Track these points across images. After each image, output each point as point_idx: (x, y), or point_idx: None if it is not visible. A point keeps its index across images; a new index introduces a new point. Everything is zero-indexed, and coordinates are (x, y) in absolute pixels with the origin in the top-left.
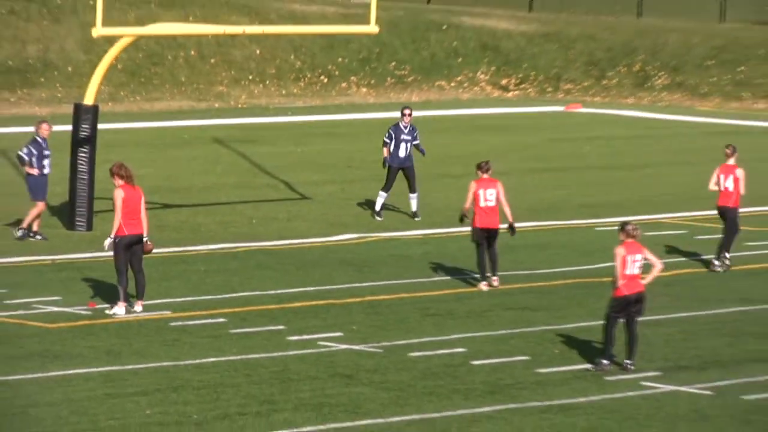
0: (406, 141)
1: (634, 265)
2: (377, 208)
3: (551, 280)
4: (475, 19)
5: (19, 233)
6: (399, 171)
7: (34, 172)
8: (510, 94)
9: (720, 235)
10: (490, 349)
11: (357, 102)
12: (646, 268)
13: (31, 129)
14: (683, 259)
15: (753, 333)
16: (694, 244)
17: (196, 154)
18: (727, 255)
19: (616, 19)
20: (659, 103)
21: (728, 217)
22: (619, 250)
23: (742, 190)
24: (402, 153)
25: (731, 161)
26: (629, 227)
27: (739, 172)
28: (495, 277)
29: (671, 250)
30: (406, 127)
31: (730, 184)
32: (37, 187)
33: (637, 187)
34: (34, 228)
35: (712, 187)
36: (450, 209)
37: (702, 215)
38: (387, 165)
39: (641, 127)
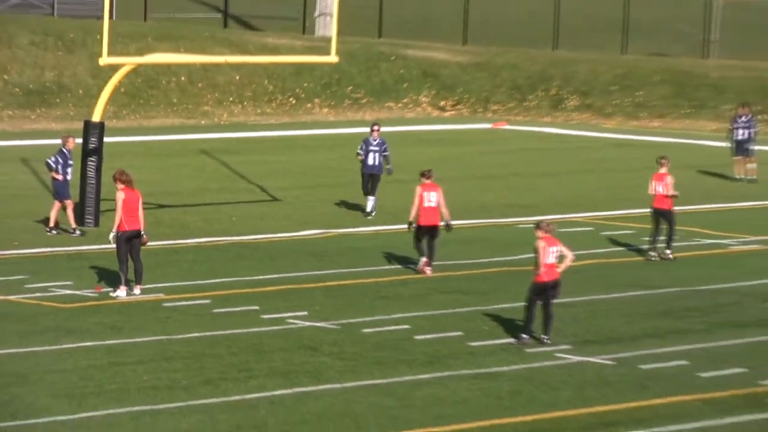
0: (374, 151)
1: (551, 256)
2: (368, 209)
3: (480, 269)
4: (418, 51)
5: (54, 232)
6: (369, 177)
7: (59, 177)
8: (447, 114)
9: (651, 231)
10: (429, 326)
11: (320, 120)
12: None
13: (47, 142)
14: (590, 251)
15: (647, 313)
16: (599, 239)
17: (186, 162)
18: (669, 251)
19: (536, 52)
20: (571, 121)
21: (667, 217)
22: (540, 243)
23: (671, 192)
24: (371, 161)
25: (663, 170)
26: (543, 224)
27: (669, 179)
28: (429, 267)
29: (580, 244)
30: (375, 140)
31: (662, 189)
32: (61, 190)
33: (551, 191)
34: (72, 224)
35: (651, 192)
36: (398, 210)
37: (605, 215)
38: (363, 173)
39: (556, 141)
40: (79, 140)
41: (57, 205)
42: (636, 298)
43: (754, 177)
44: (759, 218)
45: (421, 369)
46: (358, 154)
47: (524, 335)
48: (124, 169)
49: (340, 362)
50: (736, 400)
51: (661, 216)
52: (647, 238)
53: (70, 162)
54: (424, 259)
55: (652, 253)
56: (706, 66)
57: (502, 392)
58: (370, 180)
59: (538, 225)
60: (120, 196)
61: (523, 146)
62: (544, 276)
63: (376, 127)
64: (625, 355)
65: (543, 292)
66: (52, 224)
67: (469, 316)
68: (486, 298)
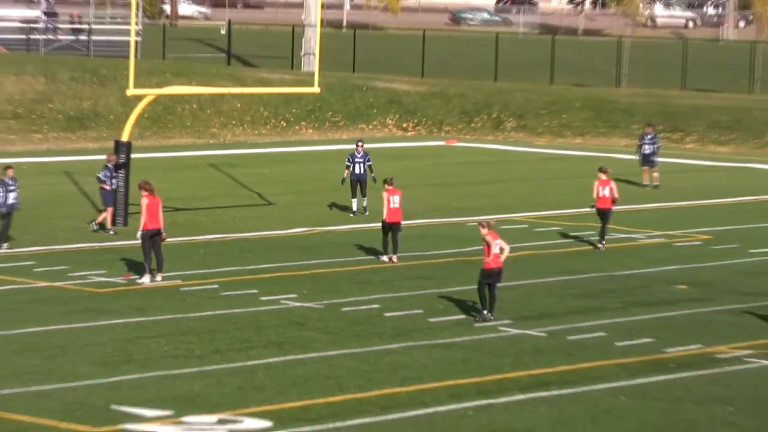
0: (359, 162)
1: (496, 248)
2: (354, 208)
3: (436, 259)
4: (384, 83)
5: (95, 227)
6: (357, 182)
7: (107, 187)
8: (408, 134)
9: (599, 226)
10: (395, 305)
11: (305, 139)
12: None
13: (85, 158)
14: (526, 244)
15: (573, 294)
16: (533, 234)
17: (197, 174)
18: (603, 241)
19: (480, 83)
20: (509, 139)
21: (607, 215)
22: (488, 238)
23: (617, 195)
24: (358, 170)
25: (604, 177)
26: (485, 222)
27: (613, 184)
28: (395, 256)
29: (518, 238)
30: (359, 153)
31: (606, 192)
32: (108, 198)
33: (493, 196)
34: (108, 225)
35: (595, 195)
36: (370, 211)
37: (536, 215)
38: (346, 180)
39: (497, 155)
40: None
41: (110, 210)
42: (563, 282)
43: (657, 184)
44: (662, 217)
45: (389, 340)
46: (347, 166)
47: (485, 312)
48: (147, 179)
49: (324, 335)
50: (644, 364)
51: (603, 214)
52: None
53: (114, 175)
54: (386, 257)
55: (599, 245)
56: (618, 94)
57: (455, 359)
58: (358, 185)
59: (480, 223)
60: (144, 201)
61: (470, 160)
62: (492, 263)
63: (360, 144)
64: (555, 328)
65: (489, 276)
66: (98, 222)
67: (428, 297)
68: (441, 283)
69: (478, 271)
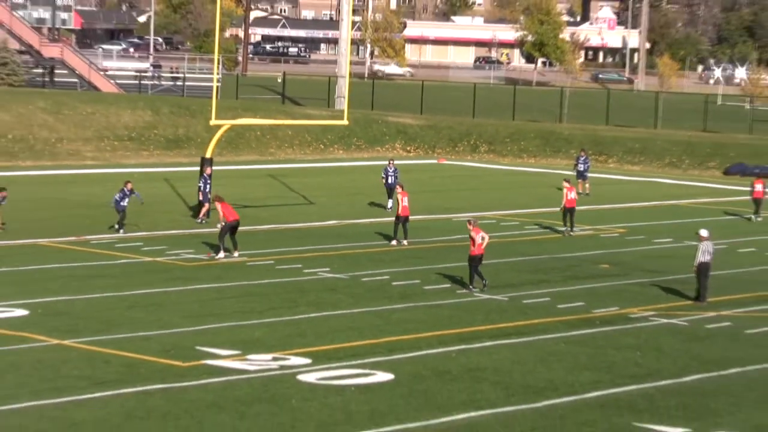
0: (391, 176)
1: (479, 239)
2: (389, 206)
3: (430, 245)
4: (394, 118)
5: (200, 221)
6: (389, 189)
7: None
8: (411, 154)
9: (569, 220)
10: (401, 276)
11: (337, 157)
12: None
13: (179, 169)
14: (494, 234)
15: (527, 270)
16: (501, 227)
17: (259, 182)
18: (573, 230)
19: (462, 119)
20: (483, 159)
21: (572, 212)
22: (472, 233)
23: (576, 196)
24: (390, 180)
25: (568, 185)
26: (473, 220)
27: (575, 191)
28: (406, 240)
29: (489, 230)
30: (391, 168)
31: (573, 195)
32: (205, 198)
33: (471, 199)
34: (201, 215)
35: (566, 197)
36: (387, 212)
37: (503, 213)
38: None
39: (474, 171)
40: (197, 168)
41: (207, 206)
42: (521, 261)
43: (589, 192)
44: (591, 216)
45: (396, 301)
46: (382, 177)
47: (471, 286)
48: (216, 194)
49: (349, 298)
50: (578, 321)
51: (571, 211)
52: (561, 228)
53: (209, 182)
54: (395, 241)
55: (566, 233)
56: (561, 127)
57: (443, 316)
58: (389, 191)
59: (468, 221)
60: (219, 207)
61: (454, 174)
62: (476, 251)
63: (392, 161)
64: (514, 294)
65: (474, 260)
66: (202, 215)
67: (424, 272)
68: (433, 261)
69: (460, 254)
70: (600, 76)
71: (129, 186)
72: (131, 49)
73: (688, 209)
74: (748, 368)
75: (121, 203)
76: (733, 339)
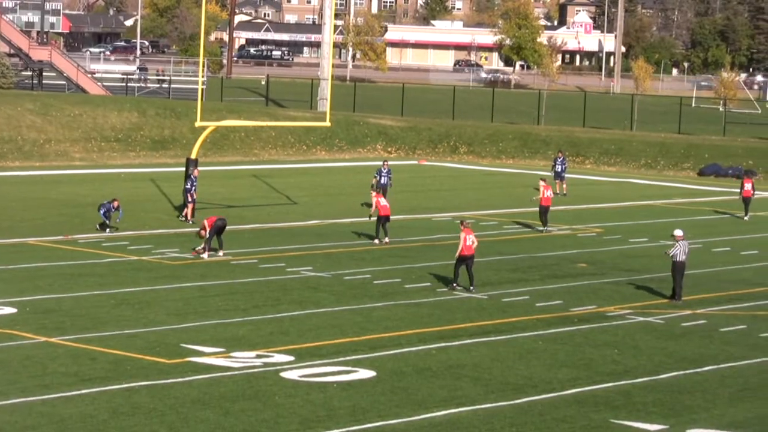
0: (384, 176)
1: (469, 240)
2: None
3: (410, 244)
4: (375, 119)
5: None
6: (381, 189)
7: (190, 194)
8: (392, 155)
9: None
10: (382, 275)
11: (320, 158)
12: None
13: (165, 169)
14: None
15: (506, 269)
16: (480, 227)
17: (243, 182)
18: (548, 227)
19: (442, 120)
20: (462, 160)
21: (547, 210)
22: (462, 234)
23: (551, 195)
24: (383, 181)
25: (544, 183)
26: (465, 222)
27: (551, 191)
28: (387, 239)
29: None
30: (385, 170)
31: (549, 194)
32: (189, 199)
33: (451, 199)
34: (188, 216)
35: (541, 195)
36: (366, 211)
37: (482, 213)
38: (376, 188)
39: (453, 171)
40: (182, 168)
41: (191, 206)
42: (500, 260)
43: (566, 193)
44: (568, 216)
45: (377, 300)
46: (375, 176)
47: (454, 284)
48: (203, 223)
49: (331, 296)
50: (556, 319)
51: (546, 209)
52: (540, 227)
53: (195, 184)
54: (377, 240)
55: (544, 230)
56: (538, 129)
57: (423, 314)
58: (382, 191)
59: (461, 222)
60: (206, 222)
61: (435, 174)
62: (465, 251)
63: (386, 162)
64: (493, 293)
65: (464, 261)
66: (187, 215)
67: (404, 270)
68: (414, 260)
69: (441, 253)
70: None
71: (116, 204)
72: (107, 52)
73: (664, 209)
74: (722, 365)
75: (103, 215)
76: (708, 337)
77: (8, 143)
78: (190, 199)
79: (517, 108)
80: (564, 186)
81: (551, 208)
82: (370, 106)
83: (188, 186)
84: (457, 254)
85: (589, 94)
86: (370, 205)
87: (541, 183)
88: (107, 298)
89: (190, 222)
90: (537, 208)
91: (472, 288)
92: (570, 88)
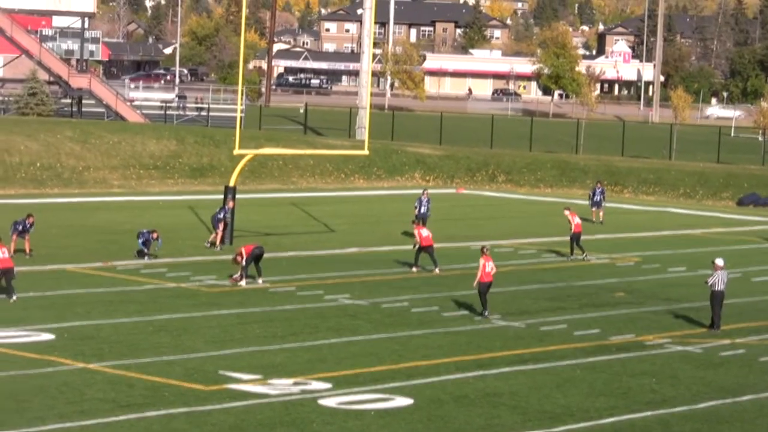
0: (424, 205)
1: (488, 267)
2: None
3: (449, 272)
4: (413, 148)
5: (209, 245)
6: (421, 219)
7: (222, 224)
8: (430, 184)
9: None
10: (420, 303)
11: (358, 186)
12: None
13: (203, 197)
14: (511, 262)
15: (545, 298)
16: (518, 255)
17: (281, 210)
18: (587, 256)
19: (480, 149)
20: (501, 189)
21: (580, 236)
22: (481, 261)
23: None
24: (423, 210)
25: (567, 213)
26: (485, 249)
27: (578, 217)
28: (437, 269)
29: (506, 258)
30: (425, 198)
31: (578, 220)
32: (218, 226)
33: (489, 228)
34: (217, 243)
35: (572, 223)
36: (407, 240)
37: (520, 242)
38: (416, 217)
39: (491, 200)
40: (221, 196)
41: (220, 234)
42: (538, 289)
43: (602, 221)
44: (607, 245)
45: (414, 327)
46: (415, 207)
47: (485, 312)
48: (235, 256)
49: (369, 324)
50: (594, 347)
51: (578, 236)
52: (570, 256)
53: (228, 216)
54: (416, 268)
55: (573, 257)
56: (576, 158)
57: (461, 342)
58: (422, 221)
59: (482, 248)
60: (243, 249)
61: (472, 203)
62: (484, 278)
63: (425, 191)
64: (531, 321)
65: (483, 286)
66: (215, 243)
67: (443, 298)
68: (452, 288)
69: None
70: None
71: (155, 235)
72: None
73: (702, 239)
74: (761, 395)
75: (141, 243)
76: (747, 366)
77: (48, 170)
78: (220, 227)
79: (555, 137)
80: (601, 214)
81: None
82: (408, 135)
83: (220, 215)
84: (476, 282)
85: (628, 123)
86: (411, 235)
87: (567, 212)
88: (145, 325)
89: (218, 249)
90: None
91: (485, 313)
92: (608, 117)
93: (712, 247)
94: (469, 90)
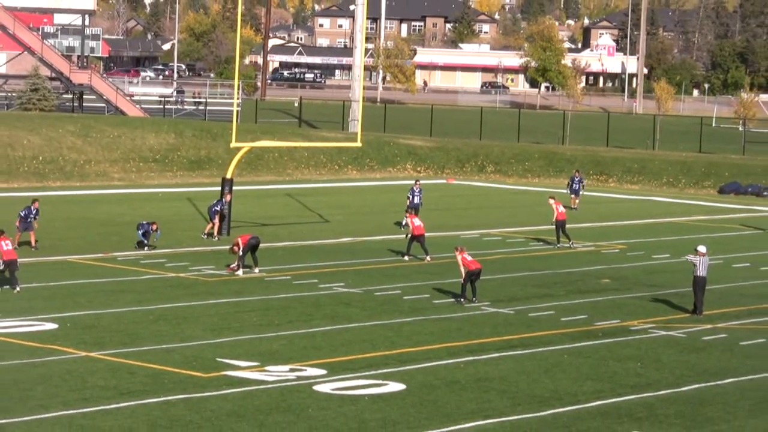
0: (417, 195)
1: (468, 257)
2: (403, 223)
3: (439, 261)
4: (405, 140)
5: (206, 236)
6: (414, 209)
7: (218, 215)
8: (421, 174)
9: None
10: (412, 291)
11: (351, 177)
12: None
13: (201, 189)
14: (499, 250)
15: (532, 285)
16: (506, 243)
17: (275, 201)
18: (573, 243)
19: (469, 140)
20: (489, 179)
21: (564, 225)
22: (458, 257)
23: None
24: (416, 200)
25: (552, 201)
26: (459, 246)
27: (562, 206)
28: (428, 257)
29: (494, 246)
30: (417, 189)
31: (562, 209)
32: (213, 216)
33: (479, 217)
34: (215, 233)
35: (555, 212)
36: (400, 230)
37: (508, 230)
38: (409, 207)
39: (480, 190)
40: (218, 188)
41: (216, 224)
42: (526, 276)
43: (577, 208)
44: (592, 233)
45: (407, 315)
46: (408, 197)
47: (461, 298)
48: (234, 244)
49: (363, 311)
50: (580, 333)
51: (562, 224)
52: (564, 243)
53: (225, 207)
54: (408, 257)
55: (560, 245)
56: (563, 149)
57: (452, 328)
58: (414, 210)
59: (456, 248)
60: (240, 240)
61: (462, 193)
62: (472, 266)
63: (418, 182)
64: (519, 308)
65: (470, 276)
66: (212, 234)
67: (433, 286)
68: (442, 276)
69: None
70: None
71: (155, 227)
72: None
73: (685, 226)
74: (742, 378)
75: (141, 234)
76: (729, 350)
77: (50, 164)
78: (216, 218)
79: (542, 128)
80: (577, 201)
81: (568, 224)
82: (399, 127)
83: (217, 207)
84: (464, 274)
85: (613, 114)
86: (401, 225)
87: (551, 201)
88: (145, 314)
89: (216, 238)
90: (552, 223)
91: (474, 300)
92: (594, 108)
93: (694, 234)
94: (425, 83)
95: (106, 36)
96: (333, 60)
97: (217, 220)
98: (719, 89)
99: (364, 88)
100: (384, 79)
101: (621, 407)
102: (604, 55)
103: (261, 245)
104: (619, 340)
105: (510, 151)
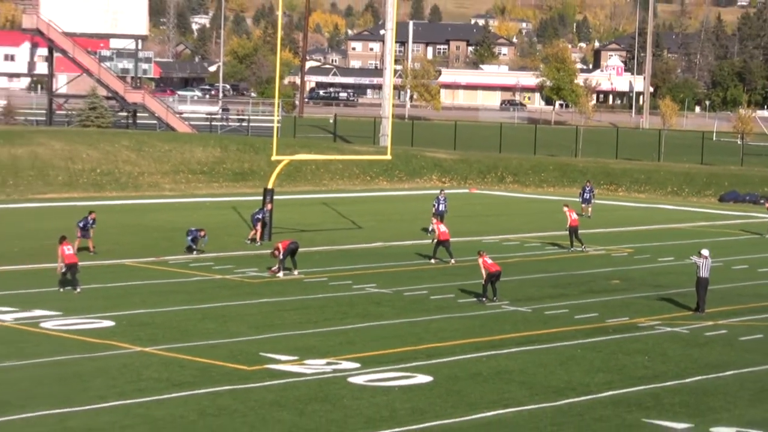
0: (442, 203)
1: (489, 260)
2: (429, 229)
3: (463, 263)
4: (430, 153)
5: (249, 241)
6: (439, 216)
7: (260, 222)
8: (447, 184)
9: (576, 239)
10: (438, 291)
11: (382, 187)
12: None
13: (244, 198)
14: (518, 254)
15: (548, 285)
16: (524, 248)
17: (312, 209)
18: (585, 248)
19: (490, 153)
20: (508, 189)
21: (577, 231)
22: (479, 261)
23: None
24: (441, 207)
25: (566, 209)
26: (482, 252)
27: (575, 214)
28: (453, 260)
29: (515, 250)
30: (442, 197)
31: (575, 216)
32: (255, 223)
33: (499, 224)
34: (257, 239)
35: (569, 218)
36: (425, 235)
37: (526, 236)
38: (435, 214)
39: (501, 199)
40: (260, 197)
41: (258, 231)
42: (542, 277)
43: (590, 216)
44: (603, 238)
45: (433, 313)
46: (433, 205)
47: (483, 297)
48: (277, 245)
49: (393, 310)
50: (592, 329)
51: (575, 230)
52: (576, 247)
53: (266, 216)
54: (434, 260)
55: (584, 250)
56: (576, 161)
57: (475, 325)
58: (440, 217)
59: (479, 252)
60: (280, 245)
61: (483, 201)
62: (493, 269)
63: (443, 191)
64: (536, 306)
65: (490, 278)
66: (254, 239)
67: (458, 287)
68: (466, 278)
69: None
70: None
71: (203, 233)
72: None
73: (688, 231)
74: (742, 370)
75: (190, 240)
76: (729, 345)
77: (107, 176)
78: (258, 225)
79: (556, 142)
80: (589, 209)
81: (581, 230)
82: (425, 141)
83: (259, 215)
84: (485, 275)
85: (621, 129)
86: (427, 230)
87: (565, 209)
88: (194, 313)
89: (258, 243)
90: (566, 230)
91: (495, 299)
92: (604, 124)
93: (697, 239)
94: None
95: (158, 59)
96: (365, 80)
97: (259, 227)
98: (719, 106)
99: (393, 105)
100: (411, 97)
101: (630, 397)
102: (613, 75)
103: (299, 249)
104: (627, 336)
105: (527, 163)
